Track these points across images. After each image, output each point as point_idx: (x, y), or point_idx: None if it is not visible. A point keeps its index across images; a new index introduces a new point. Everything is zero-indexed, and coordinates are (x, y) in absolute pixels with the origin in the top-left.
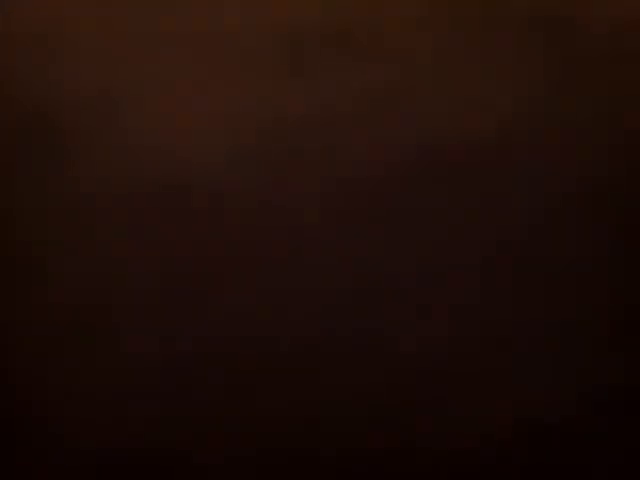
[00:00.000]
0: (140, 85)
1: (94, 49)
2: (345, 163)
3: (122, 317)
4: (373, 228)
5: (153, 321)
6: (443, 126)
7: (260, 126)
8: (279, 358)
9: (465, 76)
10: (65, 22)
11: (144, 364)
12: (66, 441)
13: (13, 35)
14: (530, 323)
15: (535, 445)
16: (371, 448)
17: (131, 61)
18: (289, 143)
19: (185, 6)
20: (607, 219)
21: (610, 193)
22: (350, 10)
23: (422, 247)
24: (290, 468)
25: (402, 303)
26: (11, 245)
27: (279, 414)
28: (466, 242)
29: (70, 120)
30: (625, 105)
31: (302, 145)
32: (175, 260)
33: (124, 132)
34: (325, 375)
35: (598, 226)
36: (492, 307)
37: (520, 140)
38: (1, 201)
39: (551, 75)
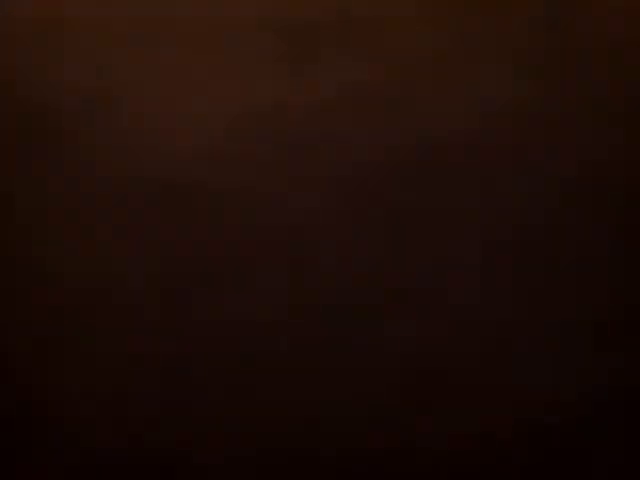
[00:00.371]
0: (140, 85)
1: (94, 49)
2: (345, 163)
3: (122, 317)
4: (373, 228)
5: (153, 321)
6: (443, 126)
7: (260, 126)
8: (279, 358)
9: (465, 76)
10: (65, 22)
11: (144, 364)
12: (66, 441)
13: (13, 35)
14: (530, 323)
15: (535, 445)
16: (371, 448)
17: (131, 61)
18: (289, 143)
19: (185, 7)
20: (607, 219)
21: (610, 193)
22: (350, 10)
23: (422, 247)
24: (290, 468)
25: (402, 303)
26: (11, 245)
27: (279, 414)
28: (466, 242)
29: (70, 120)
30: (625, 105)
31: (302, 145)
32: (175, 260)
33: (124, 132)
34: (325, 375)
35: (598, 226)
36: (492, 307)
37: (520, 140)
38: (1, 201)
39: (552, 75)
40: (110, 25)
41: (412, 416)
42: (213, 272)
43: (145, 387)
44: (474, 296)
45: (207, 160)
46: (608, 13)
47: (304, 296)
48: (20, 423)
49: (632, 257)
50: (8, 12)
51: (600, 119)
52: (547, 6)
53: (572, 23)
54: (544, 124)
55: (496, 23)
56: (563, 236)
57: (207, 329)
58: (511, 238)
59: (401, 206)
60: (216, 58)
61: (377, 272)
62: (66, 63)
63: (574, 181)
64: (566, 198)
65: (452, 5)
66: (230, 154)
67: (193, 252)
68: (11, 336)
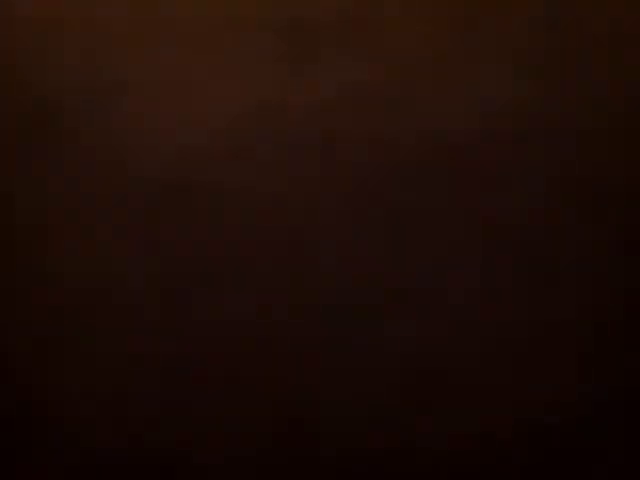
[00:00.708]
0: (140, 85)
1: (94, 49)
2: (345, 163)
3: (122, 317)
4: (373, 228)
5: (153, 321)
6: (443, 126)
7: (260, 126)
8: (279, 358)
9: (465, 76)
10: (65, 22)
11: (144, 364)
12: (66, 441)
13: (13, 35)
14: (530, 323)
15: (535, 445)
16: (371, 448)
17: (131, 61)
18: (289, 143)
19: (185, 7)
20: (607, 219)
21: (610, 193)
22: (350, 10)
23: (422, 247)
24: (290, 468)
25: (402, 303)
26: (11, 245)
27: (279, 414)
28: (466, 242)
29: (70, 120)
30: (625, 105)
31: (302, 145)
32: (175, 260)
33: (124, 132)
34: (325, 375)
35: (598, 226)
36: (492, 307)
37: (521, 140)
38: (1, 201)
39: (552, 75)
40: (110, 25)
41: (412, 416)
42: (213, 272)
43: (145, 387)
44: (474, 296)
45: (207, 160)
46: (608, 13)
47: (304, 296)
48: (20, 423)
49: (632, 257)
50: (8, 12)
51: (600, 119)
52: (547, 6)
53: (572, 23)
54: (544, 124)
55: (496, 23)
56: (563, 236)
57: (207, 329)
58: (511, 238)
59: (401, 206)
60: (216, 58)
61: (377, 272)
62: (66, 63)
63: (574, 181)
64: (566, 198)
65: (452, 5)
66: (230, 154)
67: (193, 252)
68: (11, 336)
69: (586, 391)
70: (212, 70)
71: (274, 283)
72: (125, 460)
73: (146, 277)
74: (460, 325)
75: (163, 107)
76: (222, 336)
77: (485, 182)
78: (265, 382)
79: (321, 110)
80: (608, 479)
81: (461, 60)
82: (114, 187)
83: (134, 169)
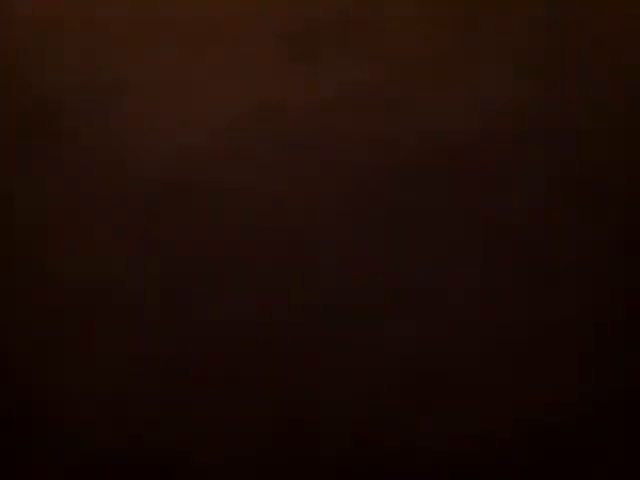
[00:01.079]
0: (140, 85)
1: (94, 49)
2: (345, 163)
3: (122, 317)
4: (373, 228)
5: (153, 321)
6: (443, 126)
7: (260, 126)
8: (279, 358)
9: (465, 76)
10: (65, 22)
11: (144, 364)
12: (66, 441)
13: (13, 35)
14: (530, 323)
15: (535, 445)
16: (371, 448)
17: (131, 61)
18: (289, 143)
19: (185, 7)
20: (607, 219)
21: (610, 193)
22: (350, 10)
23: (422, 247)
24: (290, 468)
25: (402, 303)
26: (11, 245)
27: (279, 414)
28: (466, 242)
29: (70, 120)
30: (625, 105)
31: (302, 145)
32: (175, 260)
33: (124, 132)
34: (325, 375)
35: (598, 226)
36: (492, 307)
37: (521, 140)
38: (1, 201)
39: (552, 75)
40: (110, 25)
41: (412, 416)
42: (213, 272)
43: (145, 387)
44: (474, 296)
45: (207, 160)
46: (608, 13)
47: (304, 296)
48: (20, 423)
49: (632, 257)
50: (8, 12)
51: (600, 119)
52: (547, 6)
53: (572, 23)
54: (544, 124)
55: (496, 23)
56: (563, 236)
57: (207, 329)
58: (511, 238)
59: (401, 206)
60: (216, 58)
61: (377, 272)
62: (66, 63)
63: (574, 181)
64: (566, 198)
65: (452, 5)
66: (230, 154)
67: (193, 252)
68: (11, 336)
69: (586, 391)
70: (212, 70)
71: (274, 283)
72: (125, 460)
73: (146, 277)
74: (460, 325)
75: (163, 107)
76: (222, 336)
77: (485, 182)
78: (265, 382)
79: (321, 110)
80: (608, 479)
81: (461, 60)
82: (114, 187)
83: (134, 169)
